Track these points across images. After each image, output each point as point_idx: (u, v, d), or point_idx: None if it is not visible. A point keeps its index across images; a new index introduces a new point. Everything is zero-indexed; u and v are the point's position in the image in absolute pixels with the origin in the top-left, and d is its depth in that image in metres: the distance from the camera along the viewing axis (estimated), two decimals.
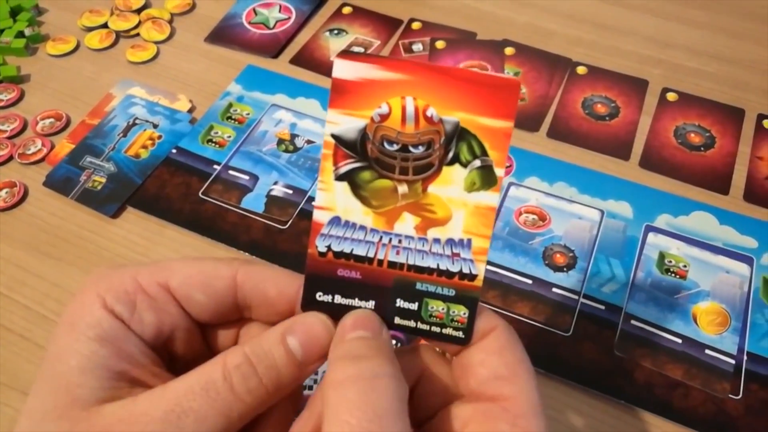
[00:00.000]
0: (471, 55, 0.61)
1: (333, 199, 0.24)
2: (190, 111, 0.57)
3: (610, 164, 0.53)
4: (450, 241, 0.25)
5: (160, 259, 0.47)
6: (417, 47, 0.62)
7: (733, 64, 0.61)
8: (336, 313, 0.25)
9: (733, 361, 0.42)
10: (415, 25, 0.64)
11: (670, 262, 0.46)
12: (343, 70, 0.23)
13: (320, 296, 0.25)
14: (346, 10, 0.66)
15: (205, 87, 0.59)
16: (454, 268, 0.25)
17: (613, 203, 0.50)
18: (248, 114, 0.56)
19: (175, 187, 0.51)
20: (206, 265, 0.26)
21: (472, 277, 0.25)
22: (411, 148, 0.24)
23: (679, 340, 0.43)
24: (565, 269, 0.46)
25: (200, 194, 0.51)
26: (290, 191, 0.51)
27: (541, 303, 0.44)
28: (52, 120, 0.56)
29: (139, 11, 0.66)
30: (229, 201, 0.50)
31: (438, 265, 0.25)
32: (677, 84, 0.59)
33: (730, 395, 0.40)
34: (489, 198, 0.24)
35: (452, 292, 0.25)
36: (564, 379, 0.41)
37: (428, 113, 0.23)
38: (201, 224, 0.49)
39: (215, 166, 0.52)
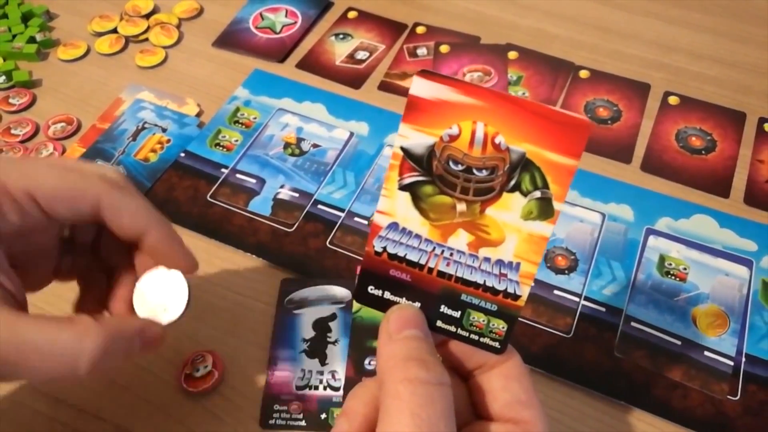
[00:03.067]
0: (475, 60, 0.62)
1: (394, 206, 0.26)
2: (198, 115, 0.58)
3: (612, 168, 0.54)
4: (499, 262, 0.26)
5: None
6: (421, 51, 0.63)
7: (735, 67, 0.62)
8: (385, 307, 0.27)
9: (731, 363, 0.42)
10: (420, 30, 0.65)
11: (670, 264, 0.47)
12: (421, 88, 0.24)
13: (372, 289, 0.27)
14: (352, 14, 0.67)
15: (213, 91, 0.60)
16: (500, 287, 0.26)
17: (615, 206, 0.50)
18: (255, 118, 0.57)
19: (183, 191, 0.52)
20: (73, 181, 0.29)
21: (516, 297, 0.26)
22: (475, 171, 0.25)
23: (679, 342, 0.43)
24: (566, 272, 0.47)
25: (208, 197, 0.52)
26: (296, 194, 0.51)
27: (543, 305, 0.45)
28: (63, 124, 0.57)
29: (147, 16, 0.67)
30: (236, 204, 0.51)
31: (485, 281, 0.26)
32: (679, 88, 0.60)
33: (729, 396, 0.41)
34: (543, 228, 0.25)
35: (495, 308, 0.26)
36: (565, 380, 0.42)
37: (496, 140, 0.25)
38: (209, 227, 0.50)
39: (223, 170, 0.53)
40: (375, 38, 0.65)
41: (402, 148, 0.25)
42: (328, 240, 0.49)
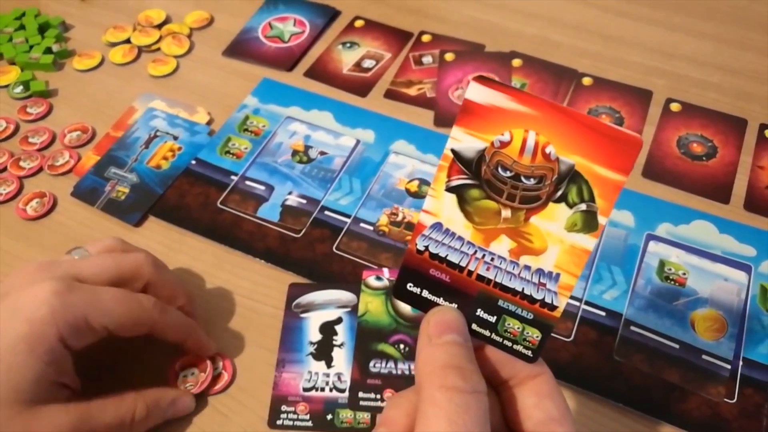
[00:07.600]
0: (479, 67, 0.63)
1: (439, 207, 0.27)
2: (209, 123, 0.59)
3: None
4: (539, 271, 0.26)
5: (179, 267, 0.49)
6: (427, 59, 0.64)
7: (737, 74, 0.62)
8: (422, 305, 0.28)
9: (729, 367, 0.43)
10: (425, 38, 0.66)
11: (670, 269, 0.48)
12: (476, 93, 0.25)
13: (410, 287, 0.28)
14: (359, 23, 0.68)
15: (223, 100, 0.61)
16: (538, 296, 0.26)
17: (615, 212, 0.51)
18: (264, 126, 0.58)
19: (194, 197, 0.54)
20: (137, 314, 0.38)
21: (553, 307, 0.26)
22: (523, 179, 0.25)
23: (677, 346, 0.44)
24: None
25: (218, 204, 0.53)
26: (304, 201, 0.53)
27: None
28: (78, 133, 0.59)
29: (160, 26, 0.68)
30: (245, 210, 0.52)
31: (523, 289, 0.26)
32: (681, 95, 0.61)
33: (726, 399, 0.42)
34: (586, 241, 0.25)
35: (531, 316, 0.27)
36: (565, 383, 0.43)
37: (547, 150, 0.25)
38: (219, 233, 0.51)
39: (233, 177, 0.55)
40: (381, 47, 0.66)
41: (453, 151, 0.26)
42: (335, 245, 0.50)
